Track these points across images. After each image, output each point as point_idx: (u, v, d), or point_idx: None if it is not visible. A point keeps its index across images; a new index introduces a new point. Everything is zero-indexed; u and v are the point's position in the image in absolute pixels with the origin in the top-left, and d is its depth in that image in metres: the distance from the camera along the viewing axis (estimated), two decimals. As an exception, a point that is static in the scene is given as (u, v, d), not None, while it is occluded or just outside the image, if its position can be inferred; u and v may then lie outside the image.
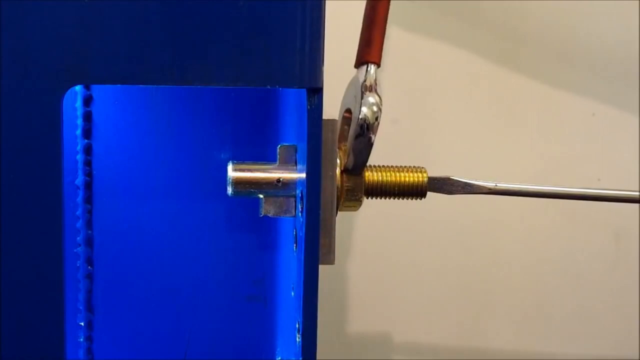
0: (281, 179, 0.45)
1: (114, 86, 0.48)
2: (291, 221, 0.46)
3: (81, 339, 0.51)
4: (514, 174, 0.75)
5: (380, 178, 0.48)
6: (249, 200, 0.47)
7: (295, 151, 0.45)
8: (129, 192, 0.50)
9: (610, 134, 0.76)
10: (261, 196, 0.45)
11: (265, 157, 0.47)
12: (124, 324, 0.52)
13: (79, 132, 0.49)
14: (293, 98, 0.45)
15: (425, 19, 0.73)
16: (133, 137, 0.50)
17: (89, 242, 0.50)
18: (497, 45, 0.74)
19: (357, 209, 0.48)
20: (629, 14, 0.73)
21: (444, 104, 0.74)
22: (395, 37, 0.72)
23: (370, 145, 0.46)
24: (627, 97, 0.75)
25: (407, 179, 0.48)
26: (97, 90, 0.49)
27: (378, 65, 0.47)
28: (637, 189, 0.52)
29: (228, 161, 0.45)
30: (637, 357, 0.79)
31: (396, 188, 0.48)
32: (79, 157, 0.49)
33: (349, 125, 0.47)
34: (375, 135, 0.46)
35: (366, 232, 0.74)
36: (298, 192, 0.44)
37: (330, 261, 0.44)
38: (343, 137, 0.47)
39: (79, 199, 0.50)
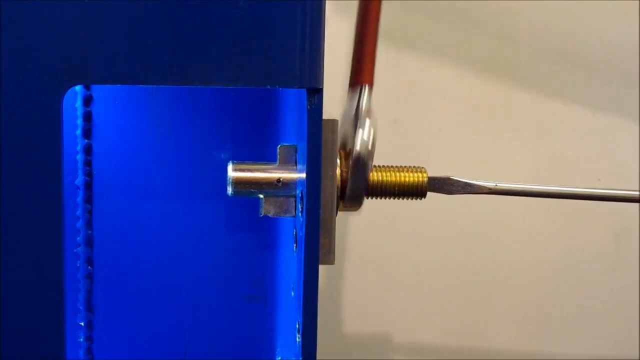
0: (281, 179, 0.45)
1: (114, 86, 0.48)
2: (291, 221, 0.46)
3: (81, 339, 0.51)
4: (514, 174, 0.75)
5: (380, 178, 0.48)
6: (249, 200, 0.47)
7: (295, 151, 0.45)
8: (129, 192, 0.50)
9: (610, 134, 0.76)
10: (261, 196, 0.45)
11: (265, 157, 0.47)
12: (124, 324, 0.52)
13: (79, 132, 0.49)
14: (293, 98, 0.44)
15: (426, 19, 0.73)
16: (133, 137, 0.50)
17: (89, 242, 0.50)
18: (497, 45, 0.74)
19: (358, 209, 0.48)
20: (629, 14, 0.73)
21: (444, 104, 0.74)
22: (395, 38, 0.72)
23: (366, 174, 0.46)
24: (627, 97, 0.75)
25: (407, 179, 0.48)
26: (97, 90, 0.49)
27: (371, 86, 0.47)
28: (637, 188, 0.52)
29: (228, 161, 0.45)
30: (637, 357, 0.79)
31: (396, 188, 0.48)
32: (79, 157, 0.49)
33: (345, 151, 0.47)
34: (370, 168, 0.46)
35: (366, 232, 0.74)
36: (298, 192, 0.44)
37: (330, 261, 0.44)
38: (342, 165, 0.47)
39: (79, 199, 0.50)
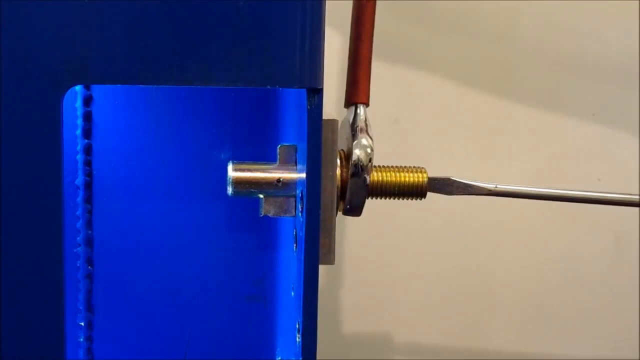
0: (281, 179, 0.45)
1: (114, 86, 0.48)
2: (291, 221, 0.46)
3: (81, 339, 0.51)
4: (514, 174, 0.75)
5: (380, 178, 0.48)
6: (249, 200, 0.47)
7: (295, 151, 0.45)
8: (129, 192, 0.50)
9: (610, 134, 0.76)
10: (261, 196, 0.45)
11: (265, 157, 0.47)
12: (124, 324, 0.52)
13: (79, 132, 0.49)
14: (293, 98, 0.44)
15: (426, 18, 0.73)
16: (133, 137, 0.50)
17: (89, 242, 0.50)
18: (497, 46, 0.74)
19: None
20: (629, 14, 0.73)
21: (444, 104, 0.74)
22: (396, 38, 0.72)
23: (365, 185, 0.46)
24: (627, 97, 0.75)
25: (407, 179, 0.48)
26: (97, 90, 0.49)
27: (367, 105, 0.47)
28: (637, 189, 0.52)
29: (228, 161, 0.45)
30: (637, 358, 0.79)
31: (396, 188, 0.48)
32: (79, 157, 0.49)
33: (342, 167, 0.47)
34: (369, 181, 0.46)
35: (366, 232, 0.74)
36: (298, 192, 0.44)
37: (330, 261, 0.44)
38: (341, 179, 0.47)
39: (79, 199, 0.50)
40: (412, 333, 0.77)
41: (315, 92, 0.40)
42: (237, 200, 0.49)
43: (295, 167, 0.45)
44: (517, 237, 0.77)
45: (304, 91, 0.40)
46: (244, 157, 0.47)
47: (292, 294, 0.46)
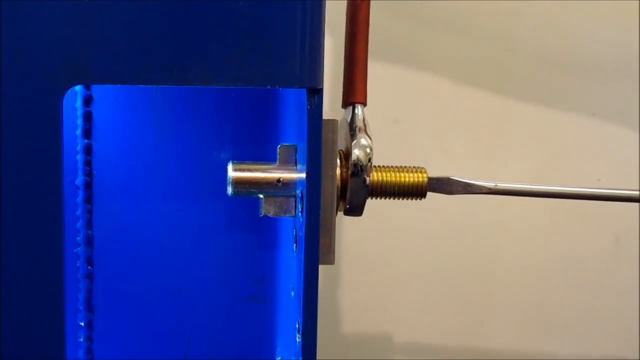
0: (281, 179, 0.45)
1: (114, 86, 0.48)
2: (291, 221, 0.46)
3: (81, 339, 0.51)
4: (514, 174, 0.75)
5: (380, 178, 0.48)
6: (249, 200, 0.47)
7: (295, 151, 0.45)
8: (129, 192, 0.50)
9: (610, 134, 0.76)
10: (261, 196, 0.45)
11: (265, 157, 0.47)
12: (124, 324, 0.52)
13: (79, 132, 0.49)
14: (293, 98, 0.44)
15: (426, 20, 0.73)
16: (133, 137, 0.50)
17: (89, 242, 0.50)
18: (497, 45, 0.74)
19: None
20: (629, 14, 0.73)
21: (444, 104, 0.74)
22: (396, 38, 0.72)
23: (365, 185, 0.46)
24: (627, 97, 0.75)
25: (407, 179, 0.48)
26: (97, 90, 0.49)
27: (364, 104, 0.47)
28: (637, 189, 0.52)
29: (228, 161, 0.45)
30: (637, 358, 0.79)
31: (396, 188, 0.48)
32: (79, 157, 0.49)
33: (343, 167, 0.47)
34: (369, 181, 0.46)
35: (366, 232, 0.74)
36: (298, 192, 0.44)
37: (330, 261, 0.44)
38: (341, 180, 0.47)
39: (79, 199, 0.50)
40: (412, 333, 0.77)
41: (315, 92, 0.40)
42: (237, 200, 0.49)
43: (295, 167, 0.45)
44: (517, 237, 0.77)
45: (304, 91, 0.40)
46: (244, 157, 0.47)
47: (292, 294, 0.46)
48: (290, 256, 0.47)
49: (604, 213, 0.76)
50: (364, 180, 0.46)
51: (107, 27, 0.38)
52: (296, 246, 0.45)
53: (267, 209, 0.45)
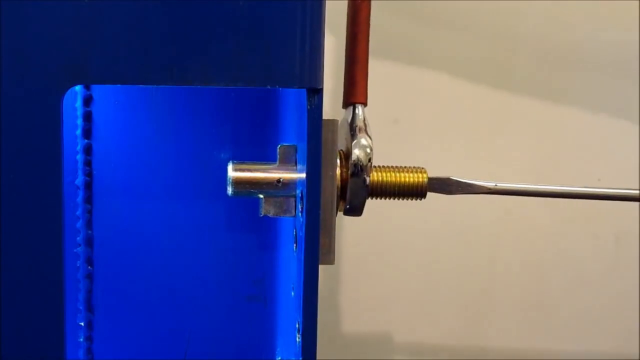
0: (281, 179, 0.45)
1: (114, 86, 0.48)
2: (291, 221, 0.46)
3: (81, 339, 0.51)
4: (514, 174, 0.75)
5: (380, 178, 0.48)
6: (249, 200, 0.47)
7: (295, 151, 0.45)
8: (129, 192, 0.50)
9: (610, 134, 0.76)
10: (261, 196, 0.45)
11: (265, 157, 0.47)
12: (124, 324, 0.52)
13: (79, 132, 0.49)
14: (293, 98, 0.44)
15: (425, 20, 0.73)
16: (133, 137, 0.50)
17: (89, 242, 0.50)
18: (497, 45, 0.74)
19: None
20: (629, 14, 0.73)
21: (444, 104, 0.74)
22: (396, 38, 0.72)
23: (365, 185, 0.46)
24: (627, 97, 0.75)
25: (407, 179, 0.48)
26: (97, 90, 0.49)
27: (365, 104, 0.47)
28: (637, 188, 0.52)
29: (228, 161, 0.45)
30: (637, 358, 0.79)
31: (396, 188, 0.48)
32: (79, 157, 0.49)
33: (343, 167, 0.47)
34: (369, 181, 0.46)
35: (366, 232, 0.74)
36: (298, 192, 0.44)
37: (330, 261, 0.44)
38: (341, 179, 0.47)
39: (79, 199, 0.50)
40: (412, 333, 0.77)
41: (315, 92, 0.40)
42: (237, 200, 0.49)
43: (295, 167, 0.45)
44: (517, 237, 0.77)
45: (304, 91, 0.40)
46: (244, 157, 0.47)
47: (292, 294, 0.46)
48: (290, 256, 0.47)
49: (604, 213, 0.76)
50: (364, 180, 0.46)
51: (107, 27, 0.38)
52: (296, 246, 0.45)
53: (267, 209, 0.45)
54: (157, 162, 0.50)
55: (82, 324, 0.51)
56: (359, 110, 0.47)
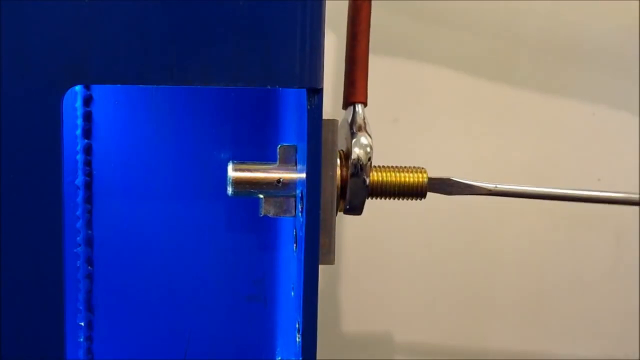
0: (281, 179, 0.45)
1: (114, 86, 0.48)
2: (291, 221, 0.46)
3: (81, 339, 0.51)
4: (514, 174, 0.75)
5: (380, 178, 0.48)
6: (249, 200, 0.47)
7: (295, 151, 0.45)
8: (129, 192, 0.50)
9: (610, 134, 0.76)
10: (261, 196, 0.45)
11: (265, 157, 0.47)
12: (124, 324, 0.52)
13: (79, 132, 0.49)
14: (293, 98, 0.44)
15: (425, 19, 0.73)
16: (133, 137, 0.50)
17: (89, 242, 0.50)
18: (497, 45, 0.74)
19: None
20: (629, 14, 0.73)
21: (444, 103, 0.74)
22: (396, 38, 0.72)
23: (365, 185, 0.46)
24: (627, 97, 0.75)
25: (407, 179, 0.48)
26: (97, 90, 0.49)
27: (365, 104, 0.47)
28: (637, 188, 0.52)
29: (228, 161, 0.45)
30: (637, 357, 0.79)
31: (396, 188, 0.48)
32: (79, 157, 0.49)
33: (343, 166, 0.47)
34: (369, 180, 0.46)
35: (366, 232, 0.74)
36: (298, 192, 0.44)
37: (330, 261, 0.44)
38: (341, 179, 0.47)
39: (79, 199, 0.50)
40: (412, 333, 0.77)
41: (315, 92, 0.40)
42: (237, 200, 0.49)
43: (295, 167, 0.45)
44: (517, 237, 0.77)
45: (304, 91, 0.40)
46: (244, 157, 0.47)
47: (292, 294, 0.46)
48: (290, 256, 0.47)
49: (604, 213, 0.76)
50: (364, 180, 0.46)
51: (107, 27, 0.38)
52: (296, 246, 0.45)
53: (267, 209, 0.45)
54: (157, 162, 0.50)
55: (82, 324, 0.51)
56: (359, 109, 0.47)
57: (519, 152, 0.75)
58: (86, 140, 0.49)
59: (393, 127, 0.73)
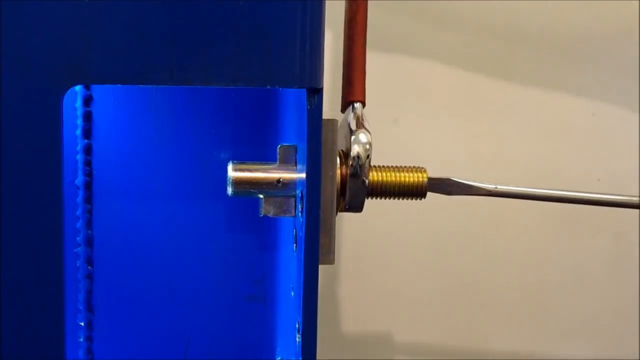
0: (281, 179, 0.45)
1: (114, 86, 0.48)
2: (291, 221, 0.46)
3: (81, 339, 0.51)
4: (514, 174, 0.75)
5: (380, 178, 0.48)
6: (249, 200, 0.47)
7: (295, 151, 0.45)
8: (129, 192, 0.50)
9: (610, 134, 0.76)
10: (261, 196, 0.45)
11: (265, 157, 0.47)
12: (124, 324, 0.52)
13: (79, 132, 0.49)
14: (293, 98, 0.45)
15: (425, 18, 0.73)
16: (133, 137, 0.50)
17: (89, 242, 0.50)
18: (497, 45, 0.74)
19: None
20: (629, 14, 0.73)
21: (444, 103, 0.74)
22: (396, 38, 0.72)
23: (365, 185, 0.46)
24: (627, 97, 0.75)
25: (407, 179, 0.48)
26: (97, 90, 0.49)
27: (363, 103, 0.47)
28: (637, 189, 0.52)
29: (228, 161, 0.45)
30: (637, 358, 0.79)
31: (396, 188, 0.48)
32: (79, 157, 0.49)
33: (342, 165, 0.47)
34: (368, 178, 0.46)
35: (366, 232, 0.74)
36: (298, 192, 0.44)
37: (330, 261, 0.44)
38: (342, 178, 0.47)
39: (79, 199, 0.50)
40: (412, 333, 0.77)
41: (315, 92, 0.40)
42: (237, 200, 0.49)
43: (295, 167, 0.45)
44: (517, 237, 0.77)
45: (304, 91, 0.40)
46: (244, 157, 0.47)
47: (292, 294, 0.46)
48: (290, 256, 0.47)
49: (604, 213, 0.76)
50: (364, 180, 0.46)
51: (107, 28, 0.38)
52: (296, 246, 0.45)
53: (267, 209, 0.45)
54: (157, 162, 0.50)
55: (82, 324, 0.51)
56: (358, 108, 0.47)
57: (519, 152, 0.75)
58: (86, 140, 0.49)
59: (393, 127, 0.73)
